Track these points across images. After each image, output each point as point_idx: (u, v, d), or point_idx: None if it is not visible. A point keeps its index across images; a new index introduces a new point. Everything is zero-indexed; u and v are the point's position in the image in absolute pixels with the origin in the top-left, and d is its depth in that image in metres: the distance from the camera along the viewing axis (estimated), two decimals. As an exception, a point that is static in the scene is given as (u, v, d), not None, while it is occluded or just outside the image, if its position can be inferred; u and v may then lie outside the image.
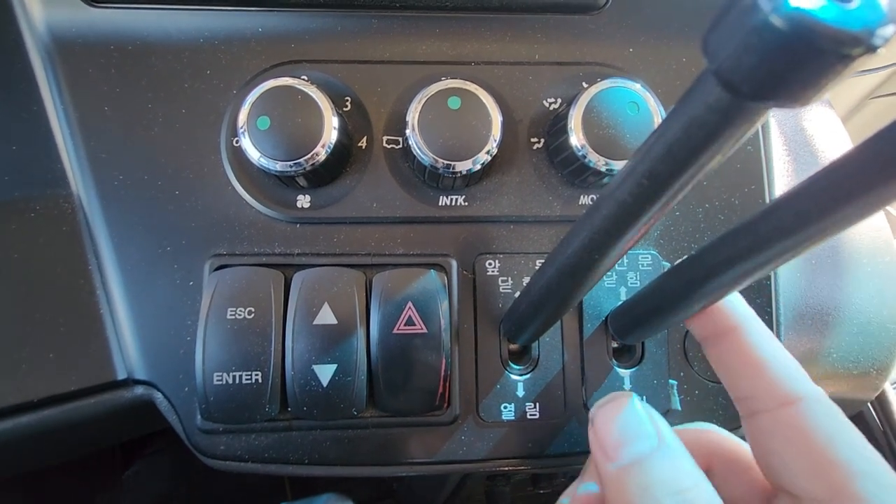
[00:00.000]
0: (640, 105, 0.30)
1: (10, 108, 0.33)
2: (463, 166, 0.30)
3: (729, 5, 0.12)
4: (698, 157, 0.15)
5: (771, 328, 0.35)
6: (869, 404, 0.48)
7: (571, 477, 0.52)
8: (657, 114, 0.31)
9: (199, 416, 0.31)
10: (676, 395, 0.34)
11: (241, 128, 0.29)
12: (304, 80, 0.30)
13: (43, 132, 0.33)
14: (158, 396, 0.32)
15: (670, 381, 0.34)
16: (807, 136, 0.40)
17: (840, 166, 0.17)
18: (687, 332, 0.34)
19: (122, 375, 0.32)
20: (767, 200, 0.36)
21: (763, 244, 0.20)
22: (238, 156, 0.32)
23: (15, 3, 0.33)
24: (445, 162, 0.30)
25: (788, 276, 0.36)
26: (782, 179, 0.37)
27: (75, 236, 0.32)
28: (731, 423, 0.34)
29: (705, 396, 0.34)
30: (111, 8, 0.33)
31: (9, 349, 0.30)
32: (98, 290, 0.32)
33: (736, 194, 0.35)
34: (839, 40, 0.10)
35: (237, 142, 0.32)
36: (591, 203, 0.34)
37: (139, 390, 0.32)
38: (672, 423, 0.33)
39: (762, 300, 0.35)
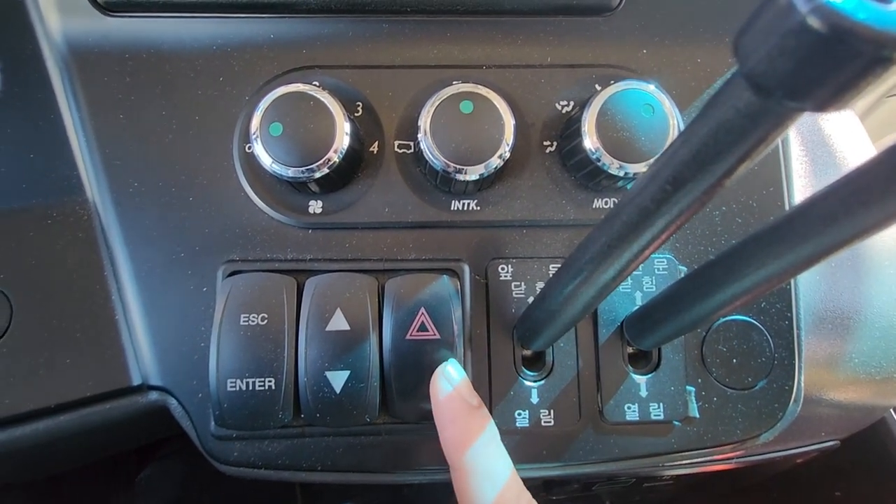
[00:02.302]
0: (655, 107, 0.30)
1: (27, 116, 0.33)
2: (475, 171, 0.30)
3: (763, 6, 0.11)
4: (726, 163, 0.14)
5: (790, 332, 0.34)
6: (892, 410, 0.47)
7: (585, 483, 0.52)
8: (673, 116, 0.30)
9: (212, 423, 0.31)
10: (694, 401, 0.33)
11: (254, 134, 0.29)
12: (315, 85, 0.30)
13: (59, 140, 0.33)
14: (173, 402, 0.32)
15: (688, 387, 0.33)
16: (825, 136, 0.39)
17: (870, 169, 0.16)
18: (705, 337, 0.34)
19: (136, 381, 0.32)
20: (786, 203, 0.35)
21: (786, 248, 0.19)
22: (251, 162, 0.32)
23: (32, 13, 0.33)
24: (458, 166, 0.30)
25: (808, 278, 0.36)
26: (801, 181, 0.36)
27: (91, 243, 0.33)
28: (751, 430, 0.33)
29: (724, 404, 0.33)
30: (126, 17, 0.33)
31: (26, 355, 0.31)
32: (113, 296, 0.32)
33: (754, 197, 0.34)
34: (880, 42, 0.10)
35: (250, 148, 0.32)
36: (604, 206, 0.34)
37: (154, 396, 0.32)
38: (691, 431, 0.33)
39: (782, 304, 0.34)
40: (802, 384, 0.34)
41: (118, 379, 0.32)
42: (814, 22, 0.10)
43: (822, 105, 0.12)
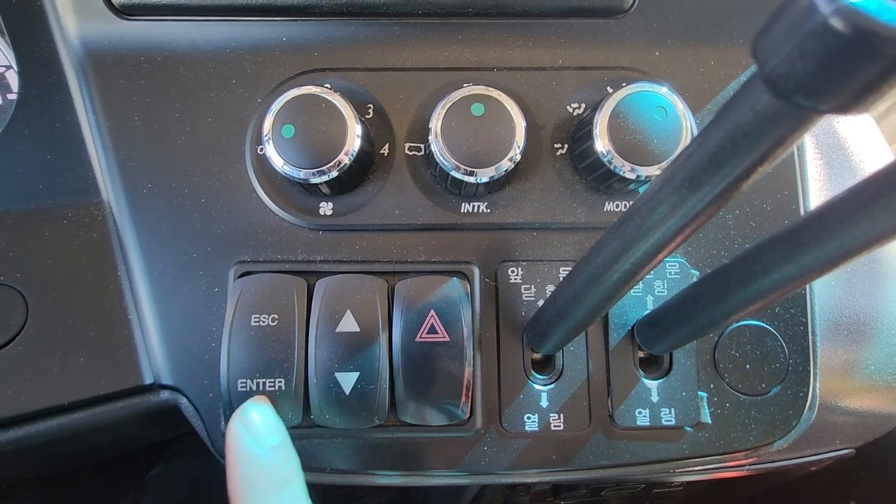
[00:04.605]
0: (668, 109, 0.30)
1: (44, 118, 0.34)
2: (486, 173, 0.30)
3: (783, 7, 0.11)
4: (743, 166, 0.14)
5: (805, 338, 0.34)
6: (908, 418, 0.46)
7: (594, 488, 0.51)
8: (686, 118, 0.30)
9: (223, 422, 0.31)
10: (706, 407, 0.33)
11: (266, 136, 0.30)
12: (327, 88, 0.31)
13: (76, 141, 0.34)
14: (184, 401, 0.32)
15: (700, 392, 0.33)
16: (840, 140, 0.38)
17: (890, 172, 0.16)
18: (717, 342, 0.33)
19: (148, 380, 0.32)
20: (801, 207, 0.34)
21: (803, 253, 0.19)
22: (262, 163, 0.33)
23: (50, 17, 0.34)
24: (468, 169, 0.30)
25: (823, 283, 0.35)
26: (816, 184, 0.36)
27: (105, 243, 0.33)
28: (765, 437, 0.33)
29: (737, 409, 0.33)
30: (141, 20, 0.34)
31: (41, 353, 0.31)
32: (127, 296, 0.33)
33: (768, 200, 0.34)
34: (905, 43, 0.10)
35: (261, 150, 0.32)
36: (616, 209, 0.33)
37: (165, 395, 0.33)
38: (703, 437, 0.33)
39: (796, 309, 0.34)
40: (818, 391, 0.34)
41: (130, 378, 0.32)
42: (837, 23, 0.10)
43: (844, 108, 0.12)
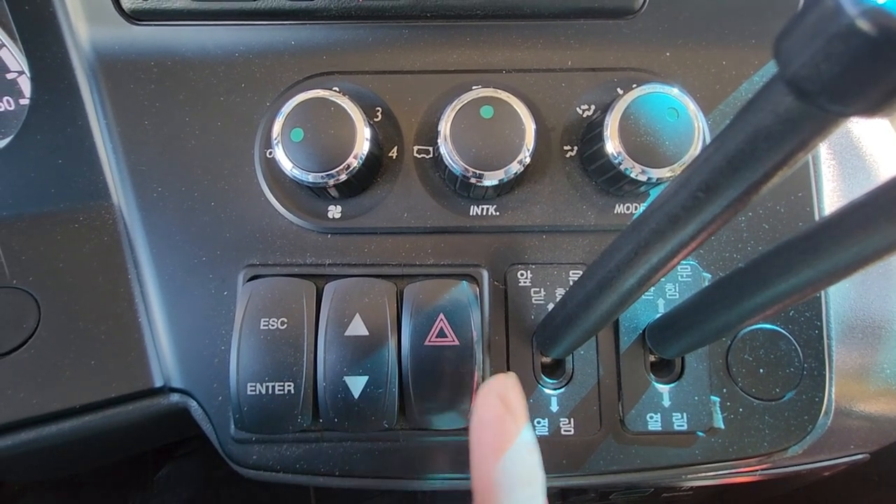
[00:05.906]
0: (680, 111, 0.29)
1: (56, 123, 0.34)
2: (495, 176, 0.29)
3: (807, 8, 0.11)
4: (763, 169, 0.14)
5: (820, 342, 0.33)
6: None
7: (603, 492, 0.51)
8: (697, 119, 0.29)
9: (232, 426, 0.31)
10: (719, 412, 0.32)
11: (275, 139, 0.30)
12: (336, 91, 0.31)
13: (87, 146, 0.34)
14: (193, 404, 0.33)
15: (712, 397, 0.32)
16: (854, 140, 0.38)
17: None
18: (730, 346, 0.33)
19: (158, 383, 0.32)
20: (815, 208, 0.34)
21: (821, 257, 0.19)
22: (271, 167, 0.33)
23: (62, 23, 0.34)
24: (477, 172, 0.29)
25: (838, 286, 0.34)
26: (830, 185, 0.35)
27: (116, 246, 0.33)
28: (779, 442, 0.32)
29: (750, 414, 0.32)
30: (151, 25, 0.34)
31: (53, 356, 0.31)
32: (137, 299, 0.33)
33: (782, 202, 0.34)
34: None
35: (271, 153, 0.32)
36: (626, 212, 0.33)
37: (175, 398, 0.33)
38: (715, 442, 0.32)
39: (811, 313, 0.33)
40: (833, 396, 0.33)
41: (141, 381, 0.32)
42: (864, 24, 0.10)
43: (869, 111, 0.11)
